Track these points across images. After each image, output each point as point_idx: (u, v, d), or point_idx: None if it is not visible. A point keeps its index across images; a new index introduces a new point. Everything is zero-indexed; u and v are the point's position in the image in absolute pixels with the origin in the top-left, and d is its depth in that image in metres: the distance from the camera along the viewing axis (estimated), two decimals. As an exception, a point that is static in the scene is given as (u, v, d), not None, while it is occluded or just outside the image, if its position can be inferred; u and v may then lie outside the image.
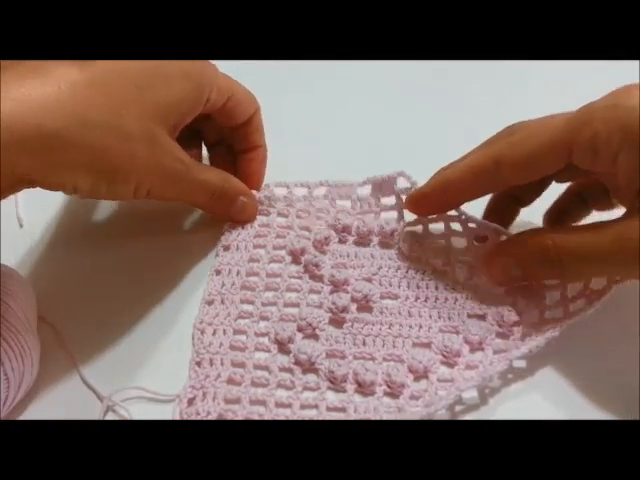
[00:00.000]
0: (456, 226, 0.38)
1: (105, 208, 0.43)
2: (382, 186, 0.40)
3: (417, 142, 0.46)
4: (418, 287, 0.38)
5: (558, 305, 0.35)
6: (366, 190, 0.41)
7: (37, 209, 0.43)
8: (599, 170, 0.32)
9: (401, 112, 0.49)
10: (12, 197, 0.39)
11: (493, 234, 0.38)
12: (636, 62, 0.48)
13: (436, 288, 0.38)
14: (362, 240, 0.40)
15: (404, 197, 0.39)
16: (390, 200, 0.41)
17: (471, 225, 0.38)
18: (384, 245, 0.40)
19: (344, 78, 0.53)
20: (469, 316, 0.36)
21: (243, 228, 0.41)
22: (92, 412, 0.33)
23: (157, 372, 0.35)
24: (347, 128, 0.48)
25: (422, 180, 0.38)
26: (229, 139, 0.41)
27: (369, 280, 0.38)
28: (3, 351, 0.31)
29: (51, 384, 0.34)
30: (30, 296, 0.35)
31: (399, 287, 0.38)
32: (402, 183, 0.40)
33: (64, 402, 0.34)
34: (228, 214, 0.40)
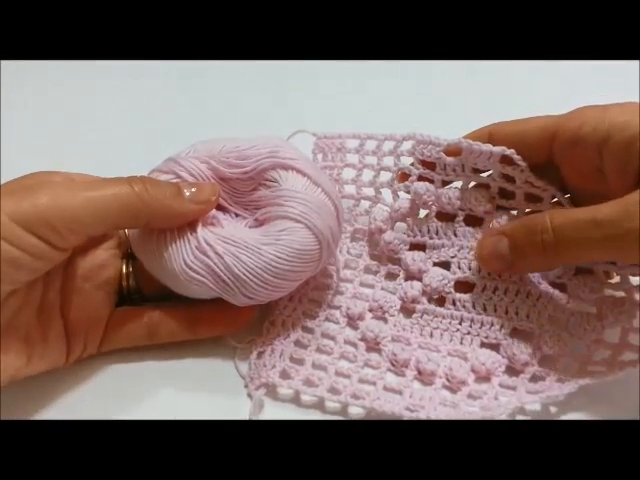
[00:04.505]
0: None
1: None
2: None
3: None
4: (500, 275, 0.35)
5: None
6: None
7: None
8: (579, 162, 0.32)
9: (398, 112, 0.49)
10: None
11: None
12: (636, 62, 0.48)
13: (520, 278, 0.34)
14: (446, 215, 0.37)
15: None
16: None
17: None
18: (470, 221, 0.36)
19: (340, 78, 0.53)
20: (550, 317, 0.34)
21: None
22: (92, 410, 0.33)
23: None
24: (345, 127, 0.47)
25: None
26: None
27: (447, 265, 0.36)
28: None
29: (51, 382, 0.34)
30: None
31: (479, 273, 0.36)
32: None
33: (62, 401, 0.34)
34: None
